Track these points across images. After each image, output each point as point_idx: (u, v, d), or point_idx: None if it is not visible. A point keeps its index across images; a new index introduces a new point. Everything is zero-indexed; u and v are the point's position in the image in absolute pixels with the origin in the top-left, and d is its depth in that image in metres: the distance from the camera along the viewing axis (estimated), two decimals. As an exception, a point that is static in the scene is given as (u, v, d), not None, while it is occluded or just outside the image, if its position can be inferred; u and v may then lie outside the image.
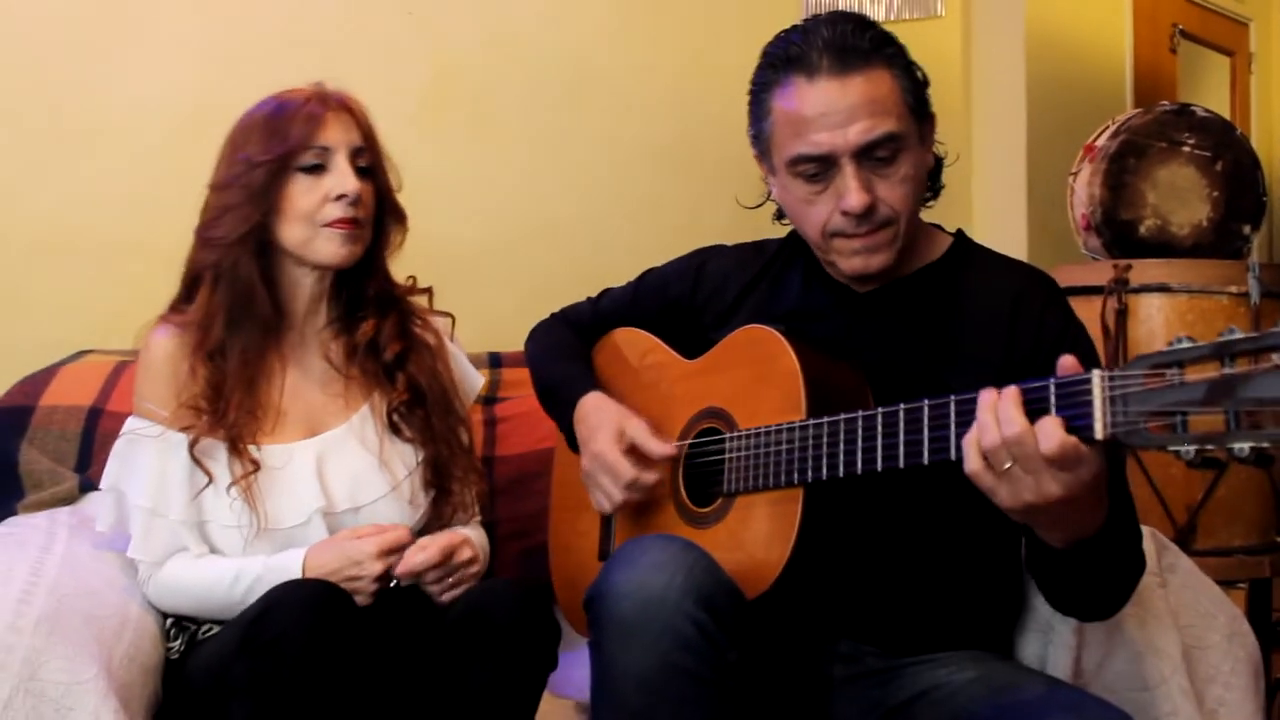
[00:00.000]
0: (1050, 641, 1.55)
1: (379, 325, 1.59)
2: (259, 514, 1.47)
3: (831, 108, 1.35)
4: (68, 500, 1.82)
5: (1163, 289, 2.18)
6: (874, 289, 1.48)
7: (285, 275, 1.56)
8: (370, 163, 1.55)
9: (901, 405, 1.23)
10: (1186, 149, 2.27)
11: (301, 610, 1.29)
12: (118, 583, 1.52)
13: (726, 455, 1.44)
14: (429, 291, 1.68)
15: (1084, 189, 2.35)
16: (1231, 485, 2.20)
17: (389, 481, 1.55)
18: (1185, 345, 0.98)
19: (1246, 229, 2.30)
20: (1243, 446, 0.93)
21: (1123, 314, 2.16)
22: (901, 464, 1.23)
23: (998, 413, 1.09)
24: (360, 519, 1.52)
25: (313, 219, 1.50)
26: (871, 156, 1.35)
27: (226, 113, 2.37)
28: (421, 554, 1.46)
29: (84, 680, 1.31)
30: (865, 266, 1.40)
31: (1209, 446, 0.95)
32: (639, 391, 1.65)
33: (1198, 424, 0.97)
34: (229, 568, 1.48)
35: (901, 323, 1.45)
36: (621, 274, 2.79)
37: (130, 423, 1.53)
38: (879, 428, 1.25)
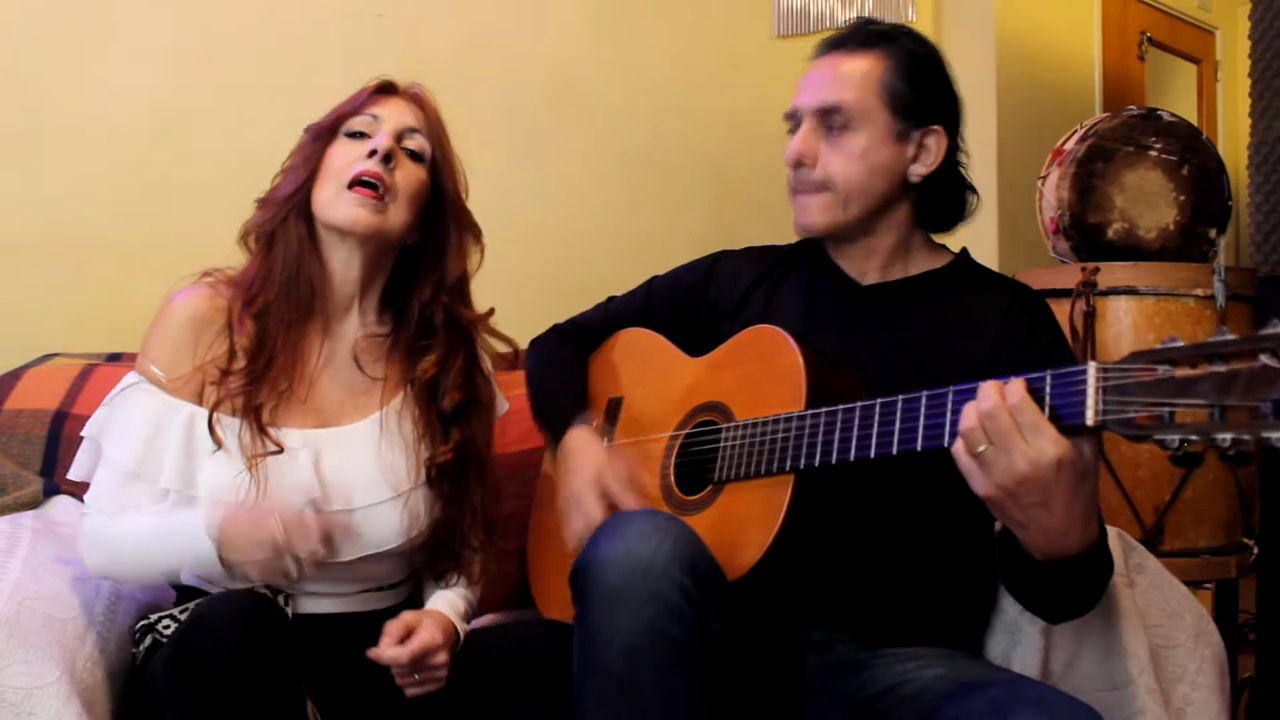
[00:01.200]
0: (1018, 642, 1.57)
1: (444, 363, 1.52)
2: (264, 494, 1.40)
3: (810, 76, 1.53)
4: (32, 504, 1.79)
5: (1130, 292, 2.19)
6: (875, 283, 1.56)
7: (321, 248, 1.49)
8: (423, 150, 1.50)
9: (900, 396, 1.27)
10: (1153, 153, 2.28)
11: (228, 625, 1.24)
12: (83, 585, 1.49)
13: (721, 445, 1.47)
14: (513, 346, 1.62)
15: (1052, 193, 2.37)
16: (1199, 487, 2.21)
17: (390, 490, 1.47)
18: (1178, 344, 1.03)
19: (1212, 233, 2.31)
20: (1225, 437, 0.98)
21: (1091, 316, 2.17)
22: (895, 449, 1.26)
23: (984, 393, 1.15)
24: (353, 521, 1.45)
25: (340, 176, 1.45)
26: (827, 123, 1.50)
27: (196, 115, 2.37)
28: (393, 651, 1.38)
29: (45, 684, 1.29)
30: (801, 223, 1.55)
31: (1193, 438, 1.01)
32: (640, 386, 1.69)
33: (1184, 417, 1.01)
34: (156, 524, 1.40)
35: (899, 316, 1.53)
36: (597, 278, 2.79)
37: (129, 377, 1.46)
38: (876, 416, 1.29)
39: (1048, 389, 1.13)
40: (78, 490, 1.84)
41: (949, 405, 1.21)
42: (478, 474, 1.54)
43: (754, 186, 2.99)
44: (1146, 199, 2.29)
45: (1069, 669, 1.57)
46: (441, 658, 1.41)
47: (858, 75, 1.49)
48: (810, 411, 1.36)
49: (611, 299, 1.83)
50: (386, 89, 1.52)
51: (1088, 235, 2.31)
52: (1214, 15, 4.43)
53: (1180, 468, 2.15)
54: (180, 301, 1.46)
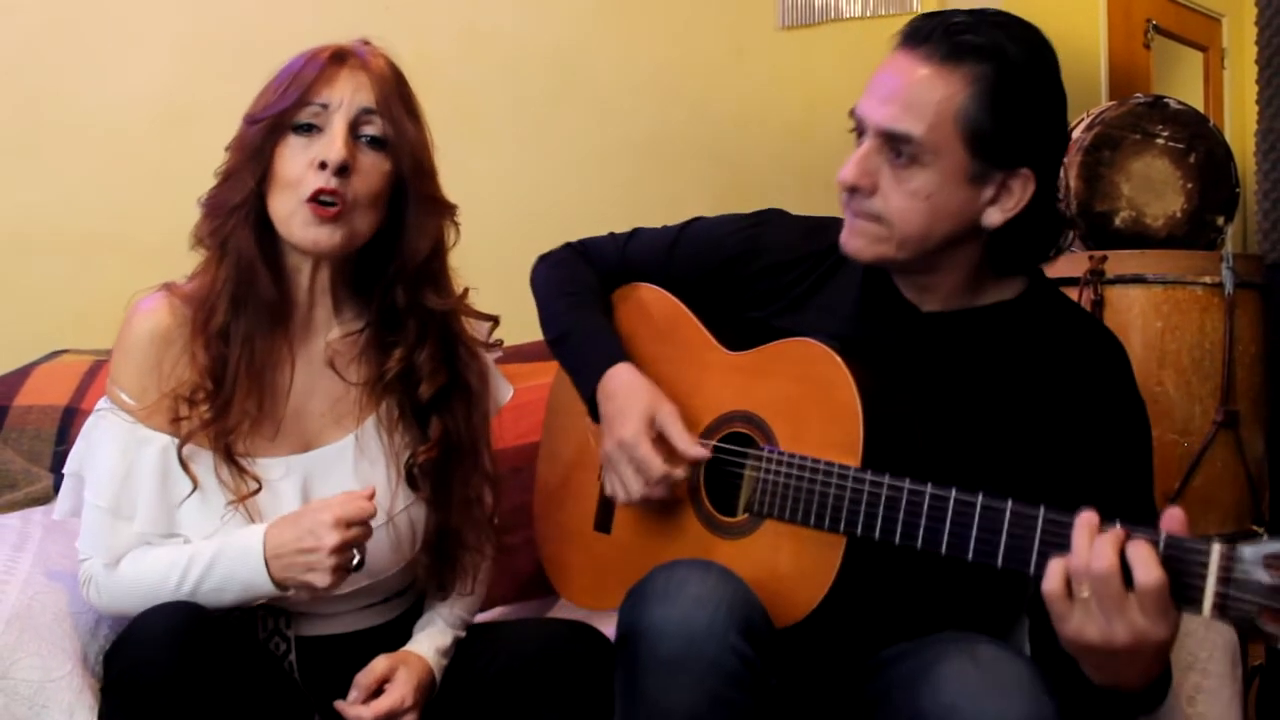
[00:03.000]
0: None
1: (412, 352, 1.37)
2: None
3: (881, 77, 1.30)
4: (42, 500, 1.80)
5: (1138, 280, 2.18)
6: (937, 311, 1.39)
7: (284, 257, 1.35)
8: (384, 133, 1.32)
9: (980, 500, 1.17)
10: (1160, 141, 2.28)
11: (164, 636, 1.19)
12: (93, 579, 1.50)
13: (762, 473, 1.37)
14: (494, 321, 1.49)
15: (1059, 181, 2.36)
16: (1209, 475, 2.21)
17: (379, 517, 1.32)
18: None
19: (1220, 220, 2.31)
20: None
21: (1099, 305, 2.16)
22: (970, 557, 1.17)
23: (1093, 542, 1.06)
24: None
25: (297, 190, 1.28)
26: (892, 148, 1.28)
27: (203, 109, 2.37)
28: (356, 711, 1.33)
29: (57, 677, 1.30)
30: (845, 244, 1.35)
31: None
32: (659, 364, 1.54)
33: None
34: (178, 560, 1.29)
35: (959, 351, 1.37)
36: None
37: (101, 403, 1.36)
38: (949, 510, 1.19)
39: (1160, 559, 1.03)
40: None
41: (1038, 531, 1.12)
42: (470, 464, 1.42)
43: (758, 176, 2.99)
44: (1154, 187, 2.28)
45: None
46: (411, 718, 1.34)
47: (934, 102, 1.25)
48: (871, 476, 1.25)
49: (635, 234, 1.68)
50: (334, 58, 1.33)
51: (1095, 223, 2.30)
52: (1220, 2, 4.41)
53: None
54: (141, 317, 1.32)
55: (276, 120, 1.29)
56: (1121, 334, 2.20)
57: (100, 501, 1.32)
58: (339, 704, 1.35)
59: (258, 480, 1.31)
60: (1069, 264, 2.27)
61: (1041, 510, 1.13)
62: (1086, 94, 3.67)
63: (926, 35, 1.27)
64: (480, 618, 1.59)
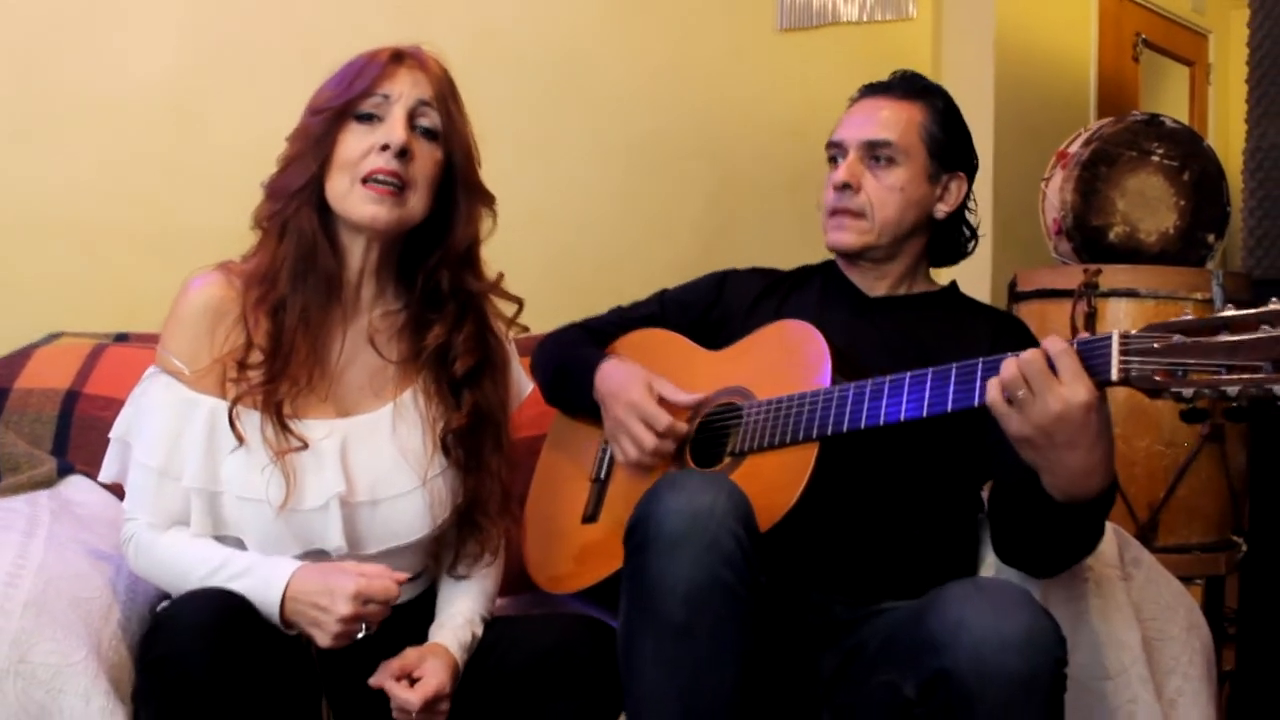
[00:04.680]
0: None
1: (452, 331, 1.48)
2: (291, 490, 1.37)
3: (858, 113, 1.75)
4: (46, 483, 1.79)
5: (1131, 294, 2.23)
6: (882, 296, 1.76)
7: (340, 236, 1.46)
8: (436, 125, 1.44)
9: (930, 369, 1.40)
10: (1155, 158, 2.32)
11: (199, 625, 1.24)
12: (104, 564, 1.51)
13: (743, 421, 1.57)
14: (519, 303, 1.56)
15: (1056, 194, 2.40)
16: (1192, 485, 2.26)
17: (414, 480, 1.45)
18: (1189, 317, 1.22)
19: (1211, 238, 2.36)
20: (1232, 389, 1.17)
21: (1091, 317, 2.21)
22: (924, 412, 1.39)
23: (1019, 355, 1.29)
24: (378, 514, 1.44)
25: (354, 170, 1.40)
26: (872, 155, 1.70)
27: (207, 96, 2.37)
28: (402, 696, 1.37)
29: (74, 662, 1.30)
30: (834, 241, 1.72)
31: (1205, 391, 1.19)
32: (659, 373, 1.72)
33: (1195, 376, 1.20)
34: (213, 558, 1.38)
35: (899, 322, 1.71)
36: (600, 264, 2.82)
37: (150, 372, 1.44)
38: (905, 385, 1.42)
39: (1076, 350, 1.27)
40: (91, 469, 1.86)
41: (979, 373, 1.35)
42: (495, 438, 1.51)
43: (753, 177, 3.02)
44: (1148, 203, 2.33)
45: (1065, 657, 1.63)
46: (446, 706, 1.39)
47: (903, 120, 1.70)
48: (839, 387, 1.47)
49: (620, 308, 1.92)
50: (393, 58, 1.45)
51: (1089, 237, 2.35)
52: (1207, 18, 4.48)
53: (1189, 423, 2.17)
54: (196, 290, 1.42)
55: (342, 109, 1.41)
56: (1112, 346, 2.25)
57: (151, 461, 1.40)
58: (387, 683, 1.38)
59: (304, 441, 1.39)
60: (1063, 276, 2.31)
61: (980, 359, 1.36)
62: (1076, 106, 3.72)
63: (886, 86, 1.75)
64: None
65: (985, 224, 3.21)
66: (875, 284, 1.75)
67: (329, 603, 1.31)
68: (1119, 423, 2.20)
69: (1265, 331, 1.16)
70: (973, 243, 1.80)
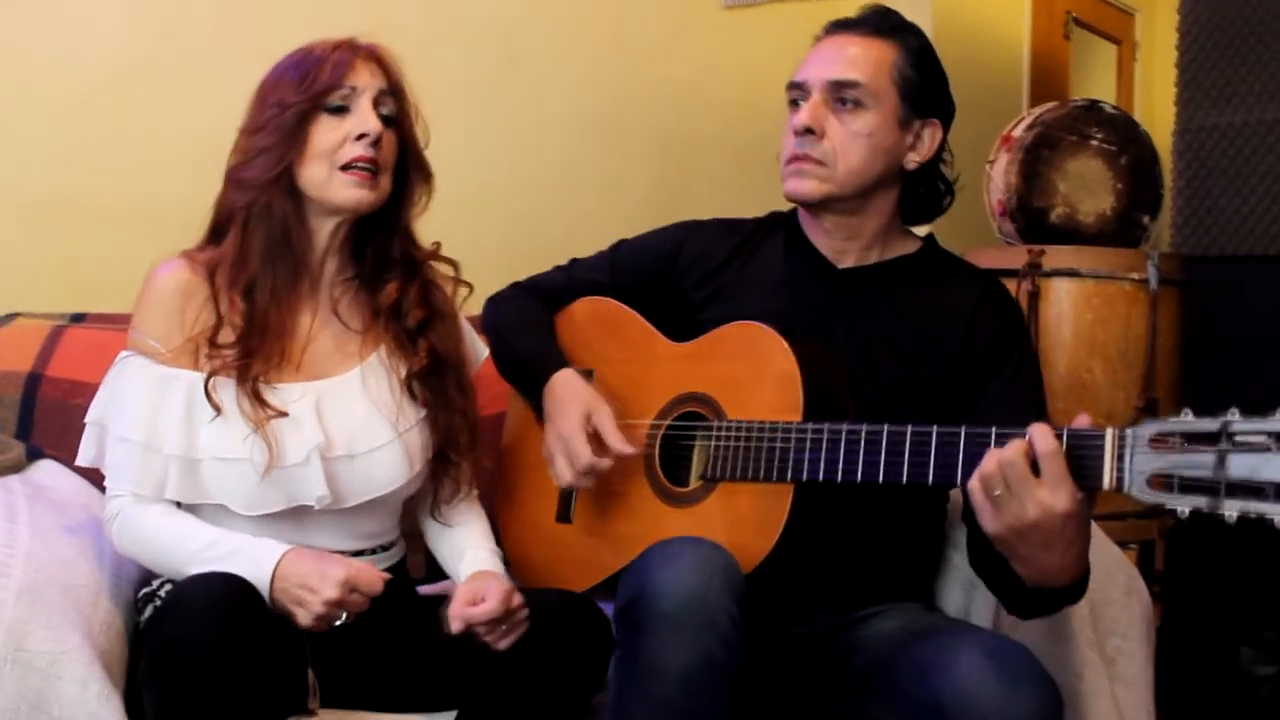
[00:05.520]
0: (974, 598, 1.68)
1: (403, 289, 1.59)
2: (274, 455, 1.44)
3: (823, 50, 1.57)
4: (15, 468, 1.78)
5: (1072, 274, 2.33)
6: (851, 267, 1.61)
7: (307, 219, 1.54)
8: (393, 112, 1.54)
9: (910, 428, 1.33)
10: (1095, 143, 2.42)
11: (205, 608, 1.27)
12: (89, 552, 1.52)
13: (713, 442, 1.51)
14: (455, 266, 1.67)
15: (1000, 177, 2.49)
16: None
17: (390, 433, 1.53)
18: (1190, 419, 1.12)
19: (1145, 219, 2.46)
20: (1231, 514, 1.08)
21: (1035, 296, 2.30)
22: (904, 479, 1.32)
23: (1002, 450, 1.22)
24: (356, 467, 1.50)
25: (332, 158, 1.49)
26: (837, 96, 1.53)
27: (155, 74, 2.35)
28: (482, 608, 1.40)
29: (69, 649, 1.31)
30: (793, 189, 1.56)
31: (1202, 509, 1.10)
32: (612, 364, 1.69)
33: (1191, 495, 1.11)
34: (202, 535, 1.44)
35: (872, 298, 1.58)
36: (552, 238, 2.83)
37: (123, 355, 1.50)
38: (883, 443, 1.35)
39: (1064, 445, 1.20)
40: (60, 454, 1.85)
41: (961, 445, 1.28)
42: (455, 380, 1.61)
43: (698, 154, 3.07)
44: (1087, 186, 2.43)
45: (1018, 622, 1.69)
46: (518, 599, 1.43)
47: (873, 59, 1.53)
48: (812, 425, 1.41)
49: (575, 262, 1.83)
50: (351, 51, 1.53)
51: (1032, 218, 2.44)
52: (1134, -3, 4.61)
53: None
54: (163, 275, 1.50)
55: (313, 102, 1.49)
56: (1055, 324, 2.35)
57: (133, 436, 1.45)
58: (464, 612, 1.41)
59: (282, 411, 1.47)
60: (1009, 256, 2.40)
61: (963, 429, 1.29)
62: (1011, 83, 3.82)
63: (854, 22, 1.57)
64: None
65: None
66: (844, 250, 1.60)
67: (318, 585, 1.37)
68: (1059, 397, 2.30)
69: (1271, 453, 1.06)
70: (948, 198, 1.64)
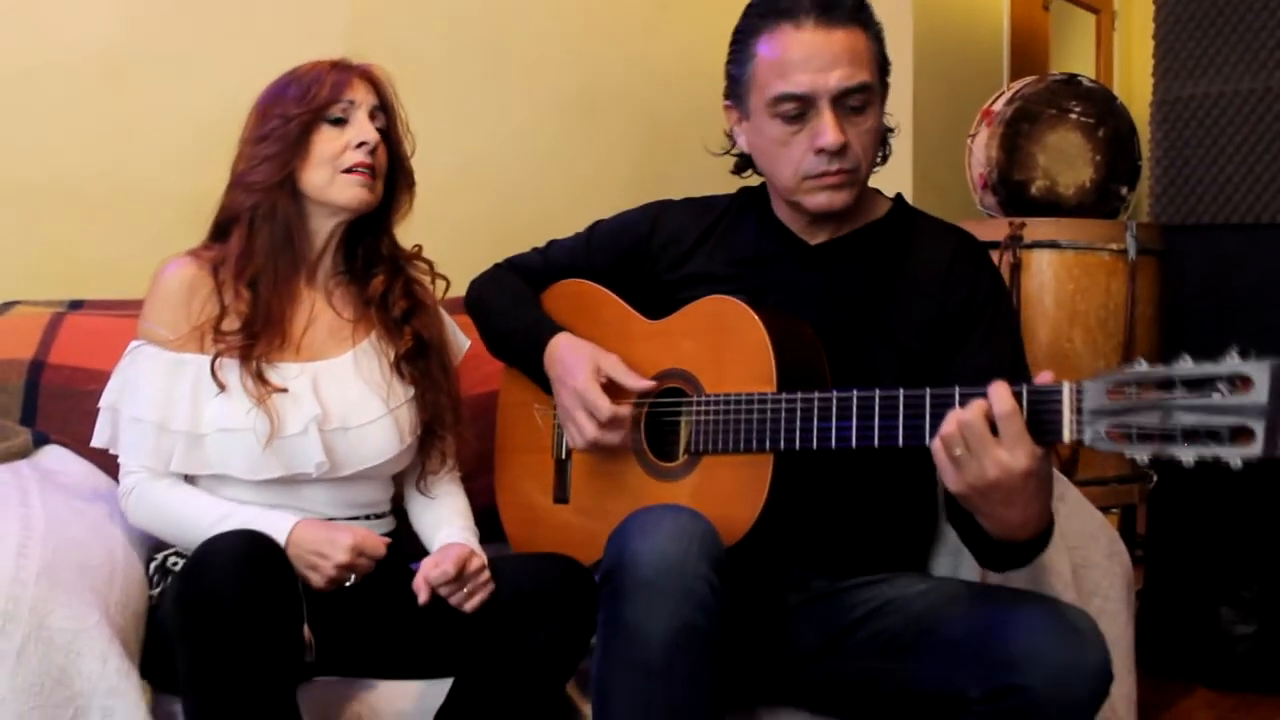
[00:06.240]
0: (960, 563, 1.72)
1: (389, 282, 1.74)
2: (275, 422, 1.56)
3: (816, 54, 1.48)
4: (22, 454, 1.80)
5: (1053, 245, 2.38)
6: (823, 241, 1.62)
7: (308, 220, 1.69)
8: (385, 126, 1.69)
9: (878, 391, 1.36)
10: (1073, 116, 2.46)
11: (232, 562, 1.35)
12: (101, 532, 1.56)
13: (694, 416, 1.55)
14: (431, 265, 1.81)
15: (981, 150, 2.54)
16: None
17: (382, 408, 1.66)
18: (1143, 368, 1.14)
19: (1124, 190, 2.51)
20: (1188, 459, 1.11)
21: (1017, 268, 2.35)
22: (877, 443, 1.35)
23: (962, 411, 1.24)
24: (350, 439, 1.62)
25: (334, 163, 1.64)
26: (846, 104, 1.49)
27: (148, 61, 2.36)
28: (437, 569, 1.51)
29: (89, 626, 1.36)
30: (830, 203, 1.53)
31: (1160, 456, 1.13)
32: (596, 340, 1.70)
33: (1149, 443, 1.14)
34: (216, 508, 1.56)
35: (848, 273, 1.60)
36: (535, 219, 2.86)
37: (134, 344, 1.64)
38: (854, 408, 1.37)
39: (1024, 403, 1.22)
40: (65, 439, 1.89)
41: (927, 406, 1.31)
42: (439, 363, 1.75)
43: (681, 132, 3.07)
44: (1066, 158, 2.48)
45: (1003, 583, 1.75)
46: (476, 562, 1.54)
47: (864, 51, 1.50)
48: (786, 396, 1.44)
49: (551, 243, 1.86)
50: (348, 70, 1.69)
51: (1013, 191, 2.49)
52: (1112, -33, 4.63)
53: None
54: (171, 272, 1.64)
55: (316, 114, 1.65)
56: (1036, 294, 2.41)
57: (147, 416, 1.58)
58: (417, 582, 1.52)
59: (283, 388, 1.60)
60: (991, 229, 2.45)
61: (927, 391, 1.31)
62: (991, 55, 3.84)
63: (830, 8, 1.49)
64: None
65: (905, 175, 3.37)
66: (813, 231, 1.62)
67: (329, 550, 1.51)
68: (1040, 367, 2.34)
69: (1221, 396, 1.09)
70: (893, 135, 1.63)
